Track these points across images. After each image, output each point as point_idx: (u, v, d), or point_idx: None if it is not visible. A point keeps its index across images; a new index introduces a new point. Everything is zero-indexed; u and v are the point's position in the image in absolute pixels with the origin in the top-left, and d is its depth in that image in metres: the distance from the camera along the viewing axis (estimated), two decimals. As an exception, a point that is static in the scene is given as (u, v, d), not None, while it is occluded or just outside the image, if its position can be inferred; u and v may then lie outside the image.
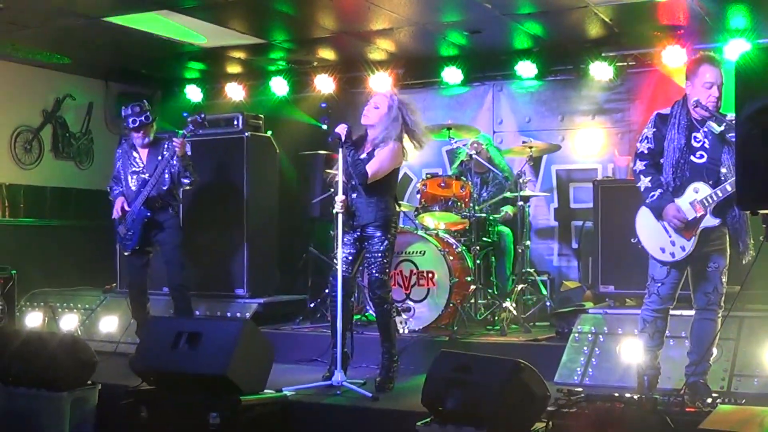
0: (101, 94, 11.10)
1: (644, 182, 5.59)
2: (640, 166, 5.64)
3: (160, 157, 7.44)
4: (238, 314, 8.44)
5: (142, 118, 7.47)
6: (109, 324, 8.62)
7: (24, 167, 10.23)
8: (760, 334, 6.25)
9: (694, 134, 5.50)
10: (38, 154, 10.40)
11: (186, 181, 7.52)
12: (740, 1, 7.40)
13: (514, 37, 8.81)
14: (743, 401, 5.55)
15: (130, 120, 7.47)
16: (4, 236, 9.68)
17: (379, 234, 6.33)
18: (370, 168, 6.25)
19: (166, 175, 7.46)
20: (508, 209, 8.56)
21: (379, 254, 6.34)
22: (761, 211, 4.29)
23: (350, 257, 6.41)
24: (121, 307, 8.71)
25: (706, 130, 5.48)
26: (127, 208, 7.49)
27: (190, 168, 7.51)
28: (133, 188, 7.52)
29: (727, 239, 5.58)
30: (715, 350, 5.70)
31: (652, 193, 5.53)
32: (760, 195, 4.08)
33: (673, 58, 8.37)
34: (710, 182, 5.44)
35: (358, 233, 6.38)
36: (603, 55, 8.85)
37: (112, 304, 9.04)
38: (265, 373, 5.84)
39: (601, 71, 8.89)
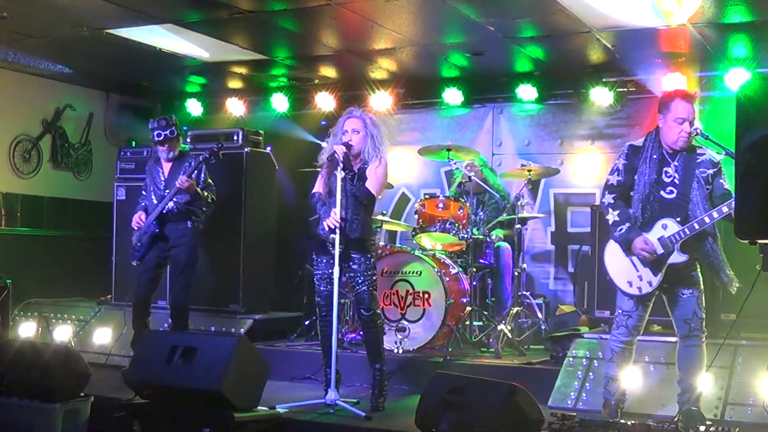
0: (102, 105, 11.13)
1: (612, 216, 5.58)
2: (608, 198, 5.63)
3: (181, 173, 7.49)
4: (233, 330, 8.42)
5: (167, 133, 7.55)
6: (103, 336, 8.59)
7: (22, 176, 10.22)
8: (755, 362, 6.24)
9: (665, 169, 5.52)
10: (37, 164, 10.39)
11: (196, 209, 7.62)
12: (741, 30, 7.43)
13: (516, 60, 8.83)
14: (737, 430, 5.56)
15: (155, 133, 7.55)
16: (0, 245, 9.67)
17: (362, 251, 6.32)
18: (372, 187, 6.26)
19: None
20: (498, 233, 8.56)
21: (367, 272, 6.34)
22: (760, 241, 4.30)
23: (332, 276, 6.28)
24: (115, 319, 8.70)
25: (677, 164, 5.50)
26: (142, 221, 7.55)
27: (201, 200, 7.58)
28: (155, 201, 7.58)
29: (698, 269, 5.60)
30: (709, 377, 5.69)
31: (620, 227, 5.52)
32: (759, 225, 4.08)
33: (673, 85, 8.37)
34: (678, 218, 5.44)
35: (340, 250, 6.23)
36: (604, 80, 8.89)
37: (106, 316, 9.03)
38: (259, 390, 5.81)
39: (601, 96, 8.92)
